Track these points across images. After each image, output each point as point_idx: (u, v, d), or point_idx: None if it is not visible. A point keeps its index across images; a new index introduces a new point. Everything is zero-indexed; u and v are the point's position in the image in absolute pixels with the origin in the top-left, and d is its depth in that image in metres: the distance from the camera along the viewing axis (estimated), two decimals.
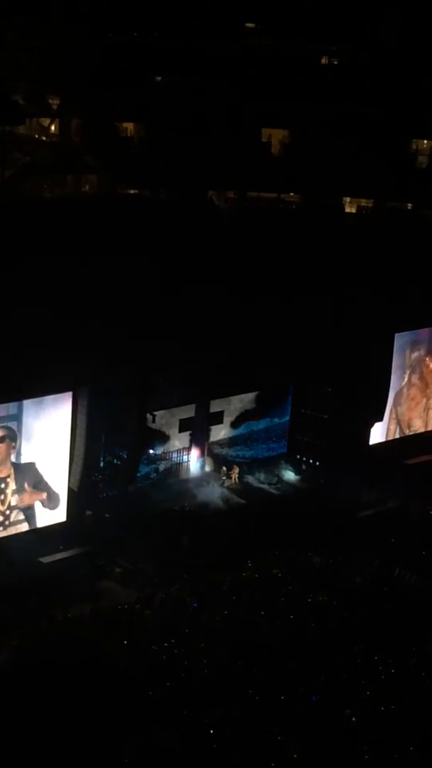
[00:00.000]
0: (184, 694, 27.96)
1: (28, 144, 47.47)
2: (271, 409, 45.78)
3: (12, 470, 35.48)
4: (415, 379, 48.38)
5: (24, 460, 35.63)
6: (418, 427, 49.18)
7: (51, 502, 36.64)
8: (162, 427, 41.57)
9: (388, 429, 47.63)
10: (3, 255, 36.39)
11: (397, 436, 48.28)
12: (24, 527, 36.13)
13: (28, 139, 47.89)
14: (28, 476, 35.89)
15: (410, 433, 48.81)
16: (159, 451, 41.72)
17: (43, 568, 34.86)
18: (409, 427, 48.75)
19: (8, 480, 35.45)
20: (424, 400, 49.23)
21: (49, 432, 36.03)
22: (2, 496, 35.41)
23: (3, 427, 34.96)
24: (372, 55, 52.20)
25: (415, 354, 48.15)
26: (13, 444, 35.27)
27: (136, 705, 27.26)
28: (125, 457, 39.90)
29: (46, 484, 36.41)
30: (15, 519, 35.90)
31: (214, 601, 33.09)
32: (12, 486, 35.53)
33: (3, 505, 35.50)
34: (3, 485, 35.39)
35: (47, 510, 36.59)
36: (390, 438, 47.84)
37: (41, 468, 36.16)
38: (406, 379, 47.83)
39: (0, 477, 35.28)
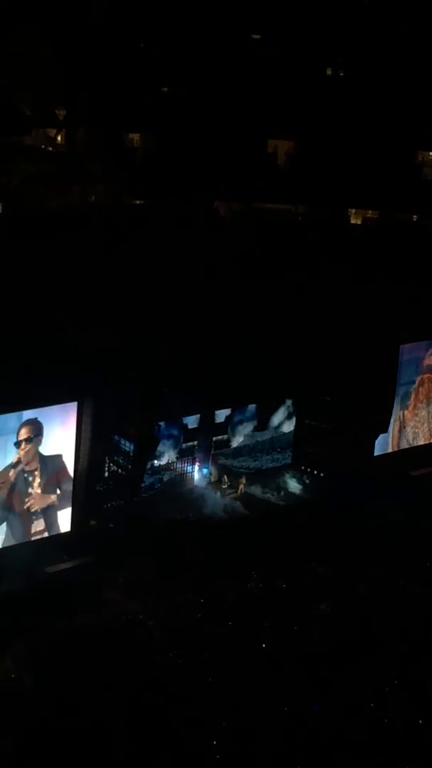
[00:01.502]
0: (186, 704, 28.02)
1: (35, 154, 47.71)
2: (275, 420, 45.85)
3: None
4: (422, 391, 48.42)
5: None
6: (424, 438, 49.22)
7: (65, 500, 36.76)
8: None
9: (392, 440, 47.70)
10: (16, 265, 36.68)
11: (405, 446, 48.34)
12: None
13: (35, 149, 48.13)
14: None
15: (416, 445, 48.84)
16: (163, 461, 41.82)
17: (49, 577, 34.92)
18: (414, 438, 48.79)
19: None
20: (428, 412, 49.28)
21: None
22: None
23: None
24: (377, 67, 52.42)
25: (428, 363, 48.22)
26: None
27: (137, 715, 27.31)
28: (129, 467, 39.95)
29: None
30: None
31: (217, 611, 33.20)
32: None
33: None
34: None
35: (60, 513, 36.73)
36: (395, 449, 47.89)
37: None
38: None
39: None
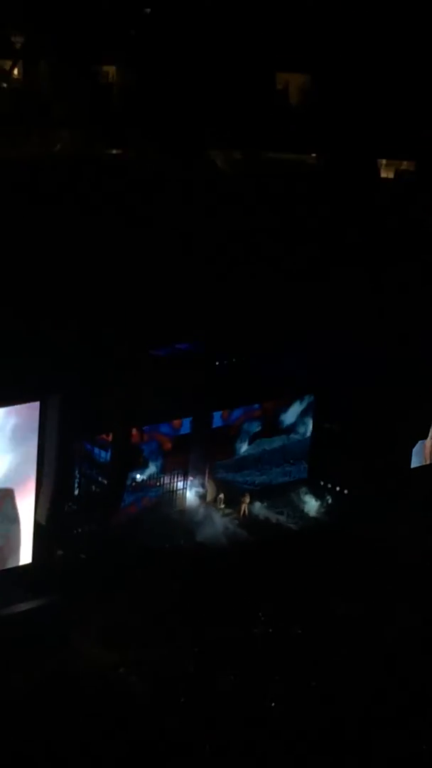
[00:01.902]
0: None
1: None
2: (286, 423, 45.79)
3: None
4: None
5: None
6: None
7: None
8: None
9: (428, 449, 47.66)
10: None
11: None
12: None
13: None
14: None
15: None
16: (147, 475, 41.69)
17: (2, 620, 34.64)
18: None
19: None
20: None
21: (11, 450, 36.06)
22: None
23: None
24: None
25: None
26: None
27: None
28: (105, 483, 39.88)
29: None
30: None
31: (216, 664, 33.05)
32: None
33: None
34: None
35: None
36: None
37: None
38: None
39: None
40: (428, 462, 47.79)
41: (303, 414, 46.07)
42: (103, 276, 38.99)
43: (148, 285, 40.05)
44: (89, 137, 48.75)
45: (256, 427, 44.91)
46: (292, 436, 45.94)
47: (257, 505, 43.97)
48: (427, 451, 47.81)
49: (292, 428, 45.93)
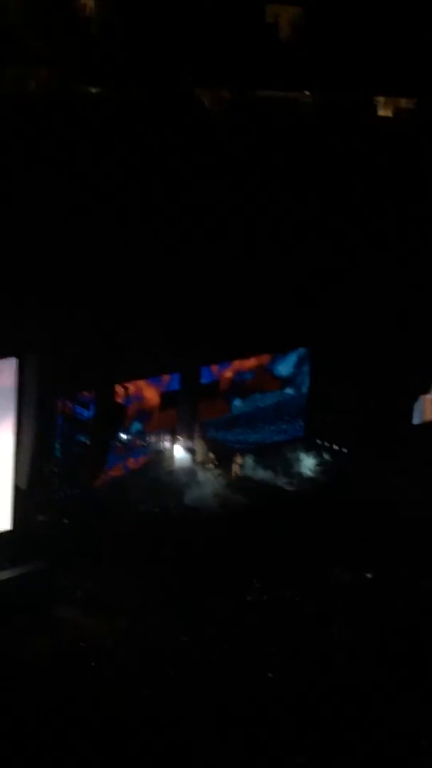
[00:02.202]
0: (168, 756, 27.66)
1: None
2: (282, 380, 45.63)
3: None
4: None
5: None
6: None
7: None
8: None
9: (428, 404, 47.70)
10: None
11: None
12: None
13: None
14: None
15: None
16: (132, 435, 41.55)
17: None
18: None
19: None
20: None
21: None
22: None
23: None
24: None
25: None
26: None
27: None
28: (88, 444, 39.70)
29: None
30: None
31: (209, 633, 32.92)
32: None
33: None
34: None
35: None
36: None
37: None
38: None
39: None
40: (430, 418, 47.80)
41: (299, 369, 45.91)
42: (82, 226, 38.62)
43: (132, 235, 39.71)
44: (67, 75, 48.24)
45: (248, 383, 44.73)
46: (287, 392, 45.82)
47: (250, 465, 43.88)
48: (428, 406, 47.81)
49: (287, 384, 45.79)
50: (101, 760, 27.27)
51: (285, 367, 45.65)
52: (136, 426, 41.58)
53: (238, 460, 43.50)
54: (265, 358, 45.06)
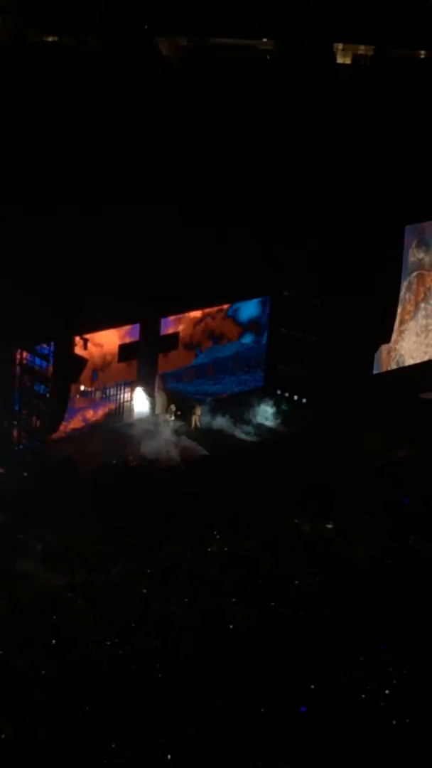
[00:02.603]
0: (134, 709, 27.61)
1: None
2: (242, 329, 45.46)
3: None
4: (411, 296, 48.50)
5: None
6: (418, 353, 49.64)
7: None
8: None
9: (384, 355, 47.87)
10: None
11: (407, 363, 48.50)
12: None
13: None
14: None
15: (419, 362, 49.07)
16: (91, 387, 41.31)
17: None
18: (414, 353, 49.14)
19: None
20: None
21: None
22: None
23: None
24: None
25: (417, 258, 48.06)
26: None
27: (71, 725, 26.88)
28: (47, 396, 39.43)
29: None
30: None
31: (169, 585, 32.80)
32: None
33: None
34: None
35: None
36: (389, 367, 48.01)
37: None
38: (403, 291, 47.88)
39: None
40: (386, 368, 47.85)
41: (258, 318, 45.72)
42: (44, 176, 38.34)
43: (94, 185, 39.44)
44: (24, 24, 47.85)
45: (208, 333, 44.53)
46: (247, 342, 45.63)
47: (210, 416, 43.79)
48: (385, 356, 47.85)
49: (246, 334, 45.60)
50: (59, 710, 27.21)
51: (245, 318, 45.46)
52: (95, 377, 41.33)
53: (197, 411, 43.34)
54: (225, 308, 44.86)
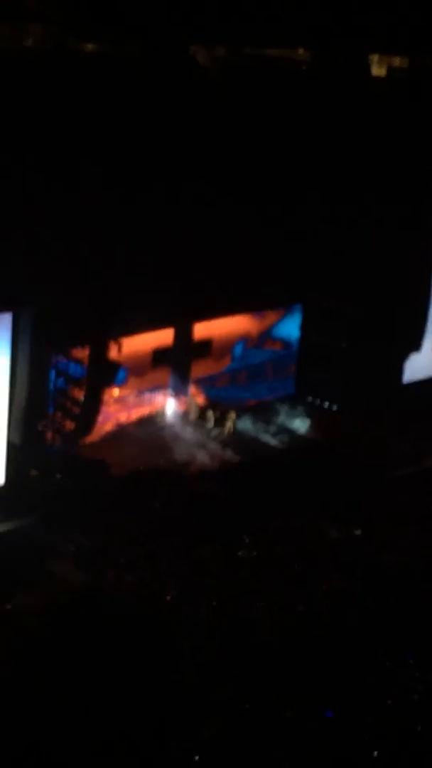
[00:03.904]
0: (159, 709, 27.79)
1: None
2: (274, 337, 45.52)
3: None
4: None
5: None
6: None
7: None
8: None
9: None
10: None
11: None
12: None
13: None
14: None
15: None
16: (125, 392, 41.48)
17: None
18: None
19: None
20: None
21: None
22: None
23: None
24: None
25: None
26: None
27: (98, 722, 27.10)
28: (81, 400, 39.65)
29: None
30: None
31: (198, 587, 33.00)
32: None
33: None
34: None
35: None
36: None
37: None
38: None
39: None
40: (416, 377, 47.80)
41: (291, 326, 45.78)
42: (79, 182, 38.45)
43: (129, 190, 39.52)
44: (62, 31, 47.84)
45: (240, 340, 44.62)
46: (279, 349, 45.68)
47: (243, 422, 43.86)
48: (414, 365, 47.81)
49: (279, 341, 45.66)
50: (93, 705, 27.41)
51: (277, 326, 45.54)
52: (129, 382, 41.47)
53: (231, 416, 43.41)
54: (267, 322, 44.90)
